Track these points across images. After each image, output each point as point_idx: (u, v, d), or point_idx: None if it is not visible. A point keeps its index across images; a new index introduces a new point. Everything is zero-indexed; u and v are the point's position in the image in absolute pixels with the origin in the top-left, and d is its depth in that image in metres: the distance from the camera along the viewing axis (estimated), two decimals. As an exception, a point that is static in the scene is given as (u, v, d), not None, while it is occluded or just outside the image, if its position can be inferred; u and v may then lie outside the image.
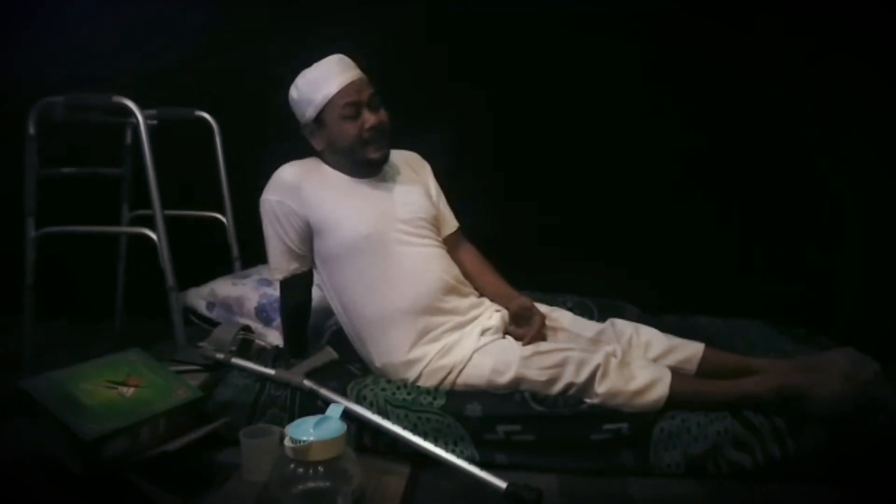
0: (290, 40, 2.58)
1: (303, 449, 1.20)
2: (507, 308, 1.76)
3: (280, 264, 1.72)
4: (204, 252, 2.37)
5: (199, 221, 2.46)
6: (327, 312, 2.16)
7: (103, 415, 1.35)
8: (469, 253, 1.88)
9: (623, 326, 1.74)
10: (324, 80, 1.65)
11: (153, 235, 1.98)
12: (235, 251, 2.48)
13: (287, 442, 1.22)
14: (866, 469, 1.44)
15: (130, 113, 1.99)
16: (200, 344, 1.96)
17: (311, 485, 1.22)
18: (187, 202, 2.38)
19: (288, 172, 1.71)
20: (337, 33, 2.54)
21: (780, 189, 2.58)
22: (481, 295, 1.81)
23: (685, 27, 2.52)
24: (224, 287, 2.17)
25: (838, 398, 1.44)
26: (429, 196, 1.83)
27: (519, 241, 1.96)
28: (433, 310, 1.66)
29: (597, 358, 1.53)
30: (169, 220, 2.00)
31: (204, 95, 2.47)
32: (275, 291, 2.14)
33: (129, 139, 2.43)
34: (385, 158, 1.73)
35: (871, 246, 2.49)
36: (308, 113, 1.68)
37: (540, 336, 1.71)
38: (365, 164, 1.70)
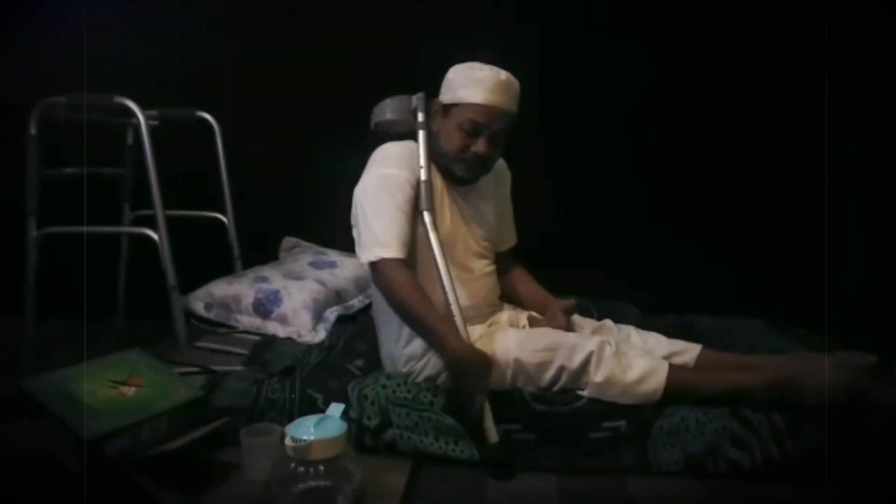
0: (293, 41, 2.59)
1: (303, 448, 1.20)
2: (543, 313, 1.78)
3: (396, 237, 1.55)
4: (205, 252, 2.37)
5: (201, 222, 2.46)
6: (329, 301, 2.17)
7: (105, 414, 1.35)
8: (516, 271, 1.91)
9: (624, 326, 1.76)
10: (478, 86, 1.57)
11: (154, 235, 1.98)
12: (236, 251, 2.49)
13: (287, 441, 1.22)
14: (866, 469, 1.44)
15: (132, 113, 2.00)
16: (199, 344, 1.96)
17: (311, 484, 1.22)
18: (188, 202, 2.38)
19: (405, 149, 1.65)
20: (337, 33, 2.58)
21: (781, 189, 2.58)
22: (518, 305, 1.85)
23: (682, 27, 2.52)
24: (220, 288, 2.19)
25: (831, 386, 1.45)
26: (500, 213, 1.85)
27: (519, 242, 1.97)
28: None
29: (590, 344, 1.54)
30: (170, 221, 2.00)
31: (205, 96, 2.47)
32: (270, 285, 2.15)
33: (130, 139, 2.43)
34: (472, 181, 1.72)
35: (871, 246, 2.49)
36: (445, 96, 1.64)
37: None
38: (451, 174, 1.69)
